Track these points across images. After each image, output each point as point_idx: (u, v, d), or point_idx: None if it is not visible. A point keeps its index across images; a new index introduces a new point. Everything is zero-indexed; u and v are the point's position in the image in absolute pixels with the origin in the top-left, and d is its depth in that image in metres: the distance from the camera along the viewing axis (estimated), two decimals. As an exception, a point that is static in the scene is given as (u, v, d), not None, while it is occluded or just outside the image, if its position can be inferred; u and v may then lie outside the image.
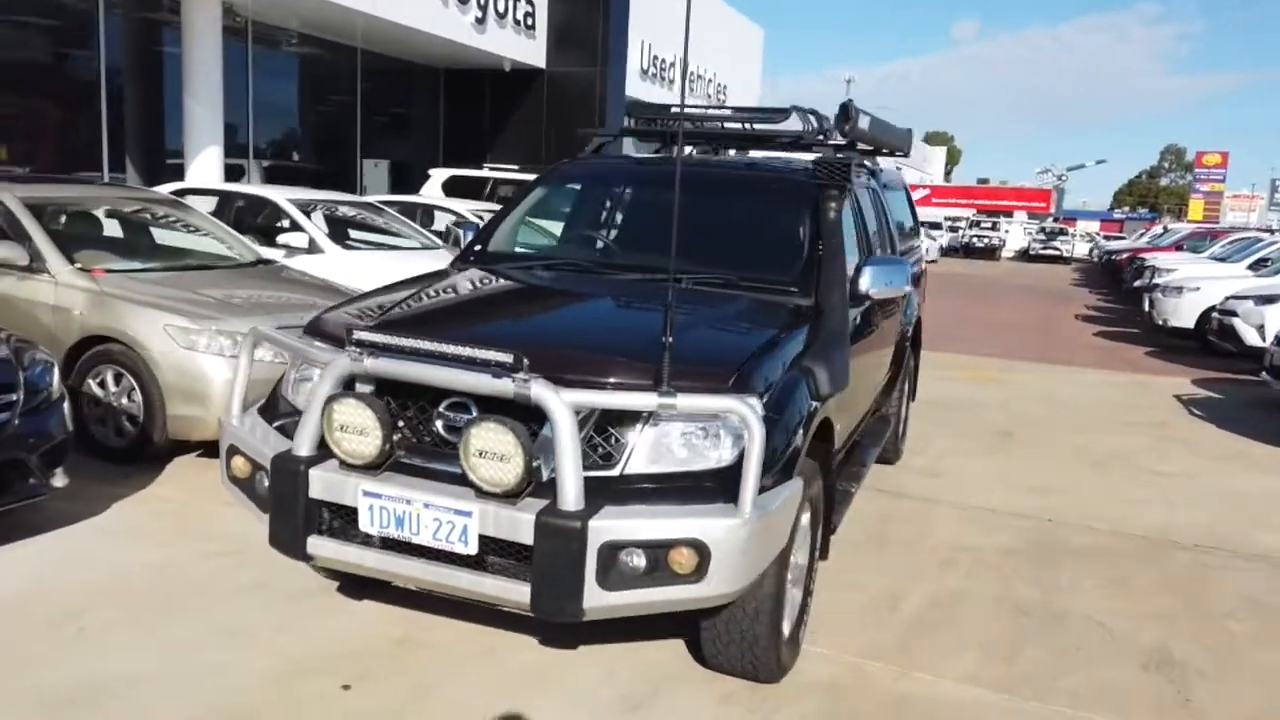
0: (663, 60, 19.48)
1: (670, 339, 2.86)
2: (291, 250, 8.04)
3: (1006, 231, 48.13)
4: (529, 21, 14.74)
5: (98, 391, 5.45)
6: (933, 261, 36.67)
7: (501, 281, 4.05)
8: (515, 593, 2.84)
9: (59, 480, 4.33)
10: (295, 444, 3.08)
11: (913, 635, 3.96)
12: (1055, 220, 55.99)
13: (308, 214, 8.77)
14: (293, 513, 3.05)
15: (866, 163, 6.19)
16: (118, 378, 5.41)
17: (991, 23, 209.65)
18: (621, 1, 15.25)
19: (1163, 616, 4.34)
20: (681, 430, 2.97)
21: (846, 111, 4.30)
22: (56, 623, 3.53)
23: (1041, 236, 46.29)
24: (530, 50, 14.86)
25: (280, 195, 8.63)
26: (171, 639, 3.48)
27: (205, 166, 10.94)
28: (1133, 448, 7.50)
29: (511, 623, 3.74)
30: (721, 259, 4.16)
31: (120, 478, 5.14)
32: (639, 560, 2.81)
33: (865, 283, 4.15)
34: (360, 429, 2.95)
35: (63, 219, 6.15)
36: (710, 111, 4.91)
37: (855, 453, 5.06)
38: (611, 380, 2.94)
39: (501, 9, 13.94)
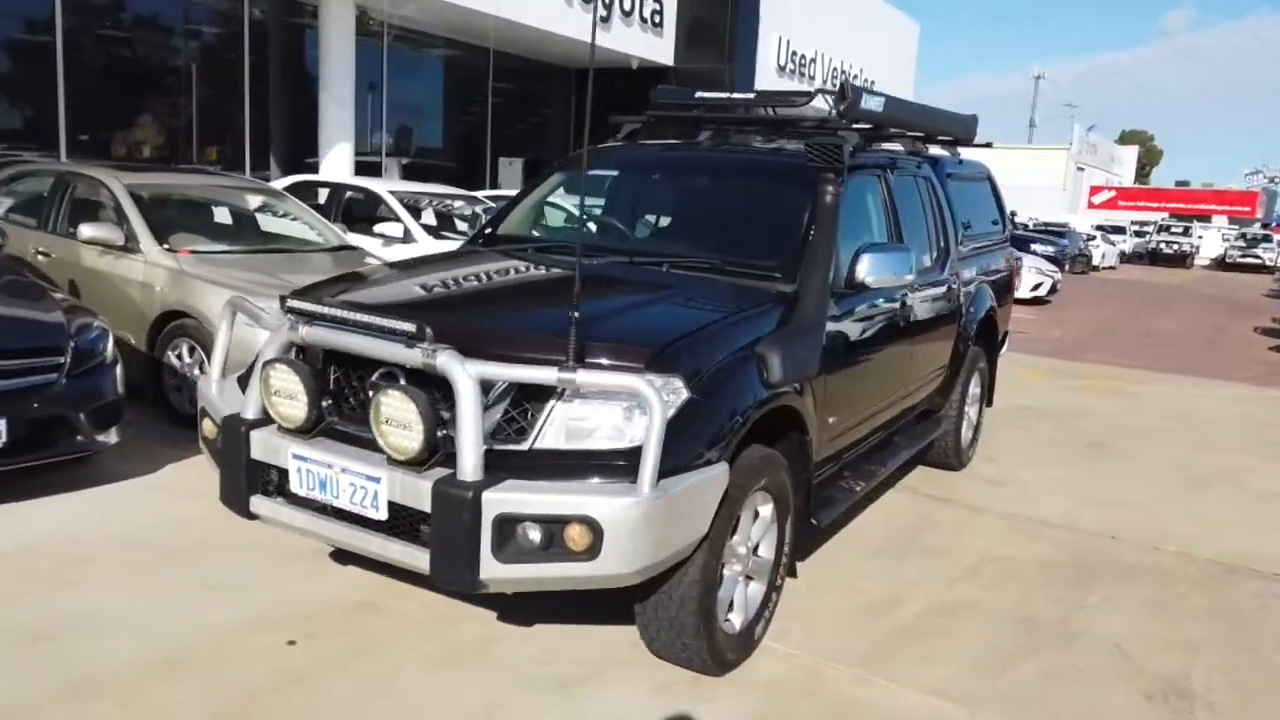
0: (802, 56, 19.14)
1: (576, 314, 2.84)
2: (388, 239, 8.42)
3: (1200, 237, 44.65)
4: (656, 19, 14.83)
5: (175, 362, 5.89)
6: (1110, 268, 34.49)
7: (481, 262, 4.12)
8: (418, 559, 2.89)
9: (111, 438, 4.72)
10: (243, 407, 3.25)
11: (895, 642, 3.76)
12: (1264, 226, 51.41)
13: (416, 207, 9.18)
14: (237, 472, 3.22)
15: (938, 151, 5.93)
16: (191, 350, 5.83)
17: (1207, 12, 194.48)
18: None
19: (1197, 645, 3.94)
20: (596, 408, 2.94)
21: (843, 91, 4.11)
22: (61, 567, 3.84)
23: (1240, 243, 42.62)
24: (658, 48, 14.95)
25: (382, 187, 9.05)
26: (155, 588, 3.72)
27: (337, 162, 11.61)
28: (1244, 467, 6.82)
29: (477, 597, 3.81)
30: (713, 243, 4.10)
31: (186, 442, 5.51)
32: (535, 535, 2.81)
33: (861, 270, 3.96)
34: (291, 394, 3.08)
35: (163, 204, 6.66)
36: (734, 96, 4.80)
37: (875, 451, 4.84)
38: (521, 354, 2.94)
39: (627, 7, 14.08)
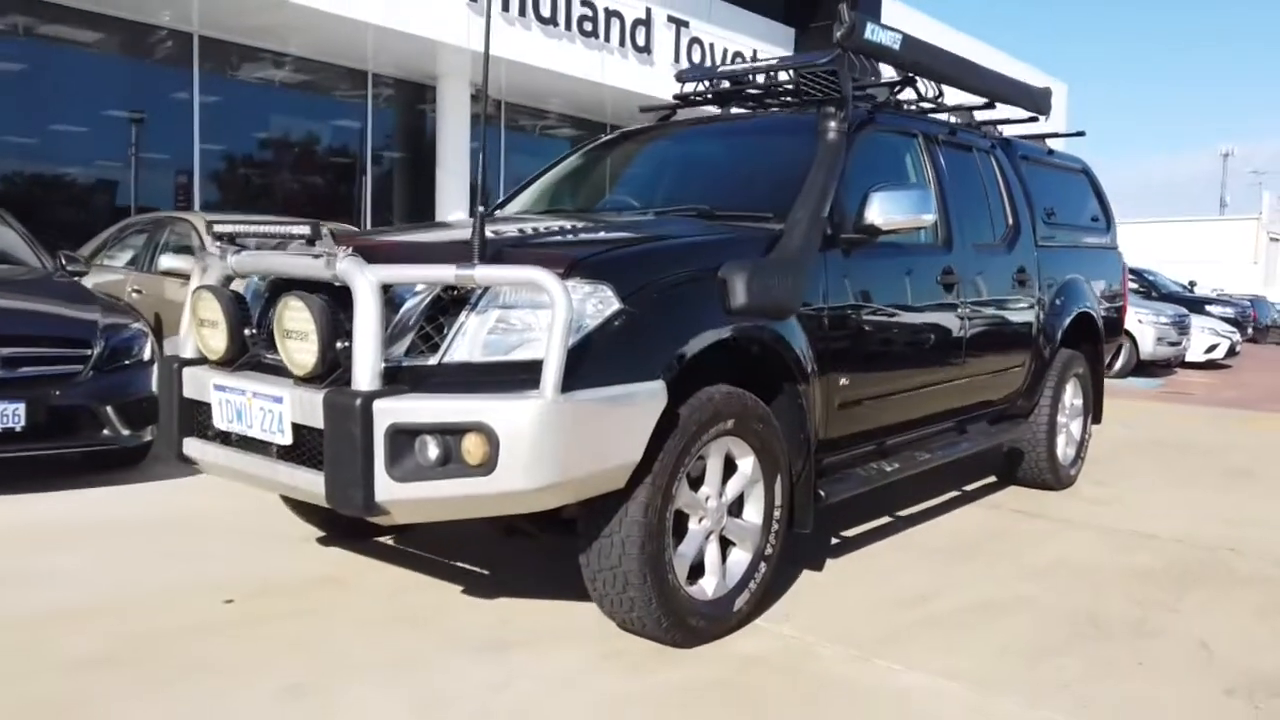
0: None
1: (483, 208, 2.61)
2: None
3: None
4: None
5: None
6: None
7: (459, 224, 3.96)
8: (316, 484, 2.65)
9: (145, 435, 4.76)
10: (180, 347, 3.15)
11: (917, 631, 3.19)
12: None
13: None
14: (170, 413, 3.10)
15: (1012, 133, 5.46)
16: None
17: None
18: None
19: (1313, 648, 3.17)
20: (510, 317, 2.65)
21: (841, 15, 3.70)
22: (46, 536, 3.82)
23: None
24: (774, 112, 14.84)
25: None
26: (119, 556, 3.62)
27: (452, 230, 11.96)
28: None
29: (452, 575, 3.53)
30: (711, 196, 3.79)
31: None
32: (433, 448, 2.52)
33: (871, 211, 3.53)
34: (213, 322, 2.95)
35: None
36: (755, 65, 4.52)
37: (929, 440, 4.28)
38: (429, 258, 2.71)
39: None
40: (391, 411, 2.50)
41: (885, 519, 4.59)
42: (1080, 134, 5.89)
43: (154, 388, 4.77)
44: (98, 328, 4.66)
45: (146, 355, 4.84)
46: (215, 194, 11.18)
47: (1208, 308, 19.21)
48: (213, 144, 11.16)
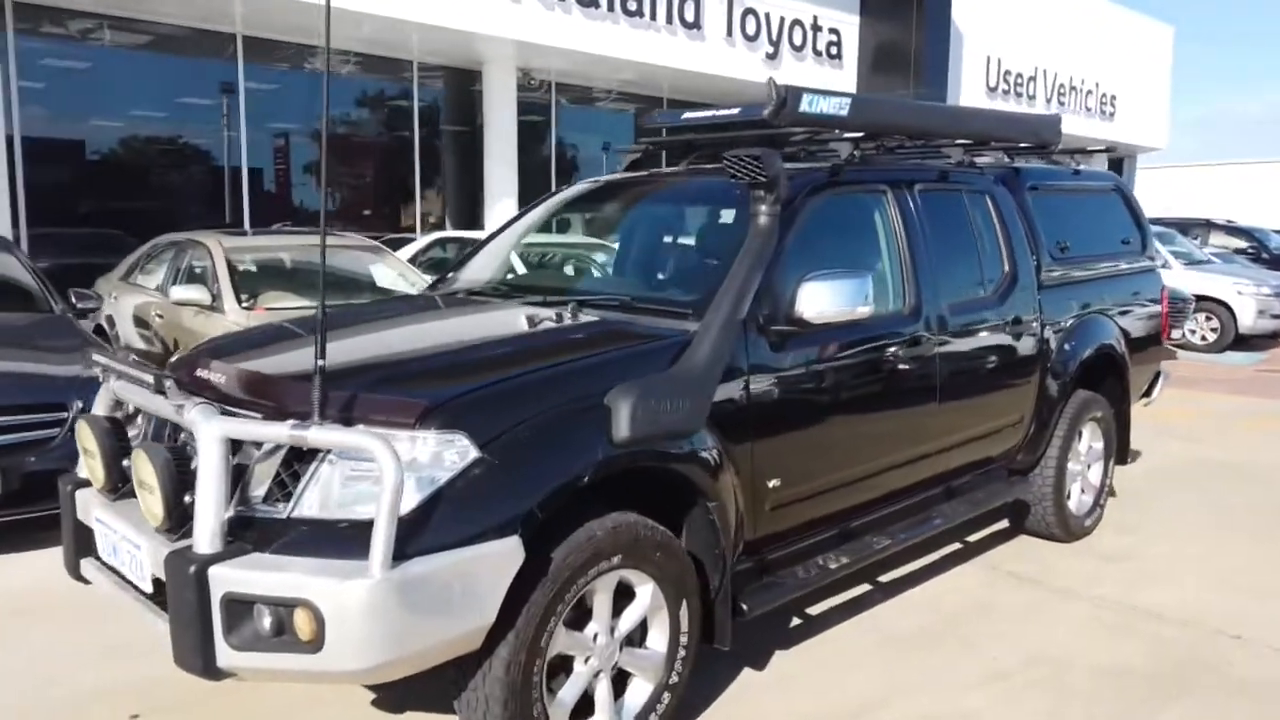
0: (1016, 74, 17.52)
1: (322, 363, 2.48)
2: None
3: None
4: (834, 51, 14.07)
5: (241, 417, 6.06)
6: None
7: (368, 310, 3.84)
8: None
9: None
10: (79, 467, 3.14)
11: (834, 764, 3.00)
12: None
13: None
14: (68, 532, 3.10)
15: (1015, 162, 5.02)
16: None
17: None
18: (941, 20, 14.04)
19: (1279, 801, 2.86)
20: (364, 468, 2.53)
21: (771, 89, 3.34)
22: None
23: None
24: (837, 80, 14.17)
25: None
26: (48, 649, 3.64)
27: (501, 218, 11.91)
28: None
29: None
30: (639, 279, 3.59)
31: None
32: (267, 620, 2.44)
33: (801, 303, 3.26)
34: (92, 452, 2.92)
35: (261, 266, 6.98)
36: (717, 115, 4.23)
37: (894, 520, 4.01)
38: (284, 408, 2.60)
39: (798, 42, 13.48)
40: (226, 580, 2.42)
41: (865, 587, 4.36)
42: (1108, 150, 5.39)
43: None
44: (75, 385, 4.72)
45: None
46: (260, 192, 11.39)
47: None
48: (260, 129, 11.39)
